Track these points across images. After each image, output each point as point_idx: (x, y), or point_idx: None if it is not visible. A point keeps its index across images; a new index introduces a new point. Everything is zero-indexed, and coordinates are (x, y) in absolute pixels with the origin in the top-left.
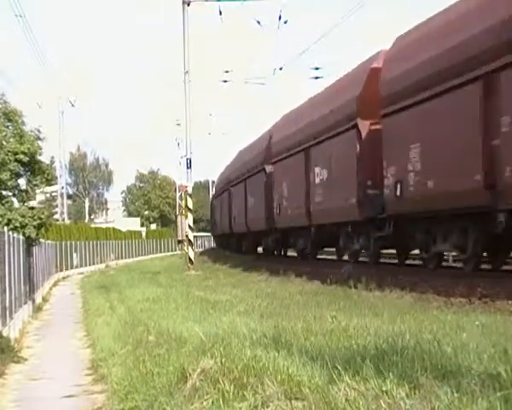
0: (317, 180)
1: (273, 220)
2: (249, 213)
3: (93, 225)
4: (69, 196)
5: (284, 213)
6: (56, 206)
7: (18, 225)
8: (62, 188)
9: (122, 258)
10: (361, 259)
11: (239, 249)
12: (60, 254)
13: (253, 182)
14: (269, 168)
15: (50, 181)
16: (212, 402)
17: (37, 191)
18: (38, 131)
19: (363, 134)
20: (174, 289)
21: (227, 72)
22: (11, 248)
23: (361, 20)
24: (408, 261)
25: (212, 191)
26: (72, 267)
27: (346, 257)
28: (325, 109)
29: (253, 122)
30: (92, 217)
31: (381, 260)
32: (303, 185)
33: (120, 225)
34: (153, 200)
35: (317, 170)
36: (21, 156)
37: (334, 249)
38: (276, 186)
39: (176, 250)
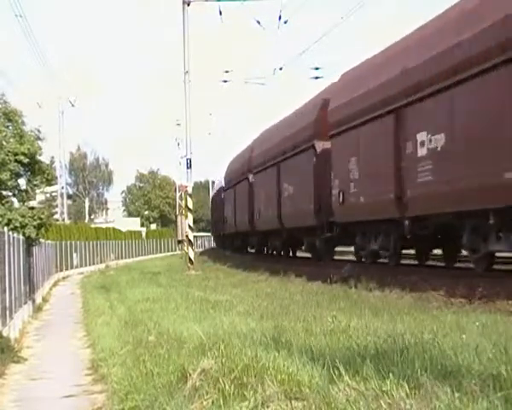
0: (422, 152)
1: (329, 213)
2: (285, 206)
3: (93, 225)
4: (69, 196)
5: (352, 201)
6: (56, 206)
7: (18, 225)
8: (62, 188)
9: (122, 258)
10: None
11: (261, 251)
12: (60, 254)
13: (292, 165)
14: (321, 145)
15: (50, 181)
16: (213, 402)
17: (37, 191)
18: (38, 131)
19: None
20: (174, 289)
21: (227, 72)
22: (11, 248)
23: (361, 20)
24: (407, 261)
25: (211, 191)
26: (72, 267)
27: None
28: (447, 40)
29: (253, 122)
30: (92, 217)
31: (380, 261)
32: (390, 161)
33: (120, 225)
34: (153, 200)
35: (420, 137)
36: (21, 157)
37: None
38: (336, 167)
39: (176, 250)
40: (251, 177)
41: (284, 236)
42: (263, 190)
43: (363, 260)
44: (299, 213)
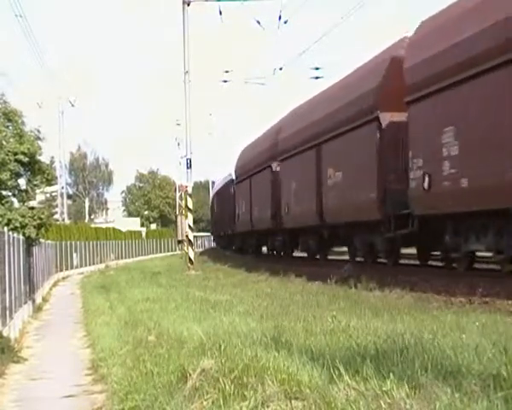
0: None
1: (398, 203)
2: (328, 197)
3: (93, 225)
4: (69, 196)
5: (447, 186)
6: (56, 206)
7: (18, 225)
8: (62, 188)
9: (122, 258)
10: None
11: (284, 252)
12: (60, 254)
13: (341, 146)
14: (387, 117)
15: (50, 181)
16: (213, 402)
17: (37, 191)
18: (38, 131)
19: None
20: (174, 289)
21: (227, 72)
22: (11, 248)
23: (361, 20)
24: (406, 261)
25: (211, 191)
26: (72, 267)
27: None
28: None
29: (253, 122)
30: (92, 217)
31: (381, 261)
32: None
33: (120, 225)
34: (153, 200)
35: None
36: (21, 156)
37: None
38: (418, 142)
39: (176, 250)
40: (275, 165)
41: (325, 234)
42: (294, 180)
43: (432, 264)
44: (351, 206)
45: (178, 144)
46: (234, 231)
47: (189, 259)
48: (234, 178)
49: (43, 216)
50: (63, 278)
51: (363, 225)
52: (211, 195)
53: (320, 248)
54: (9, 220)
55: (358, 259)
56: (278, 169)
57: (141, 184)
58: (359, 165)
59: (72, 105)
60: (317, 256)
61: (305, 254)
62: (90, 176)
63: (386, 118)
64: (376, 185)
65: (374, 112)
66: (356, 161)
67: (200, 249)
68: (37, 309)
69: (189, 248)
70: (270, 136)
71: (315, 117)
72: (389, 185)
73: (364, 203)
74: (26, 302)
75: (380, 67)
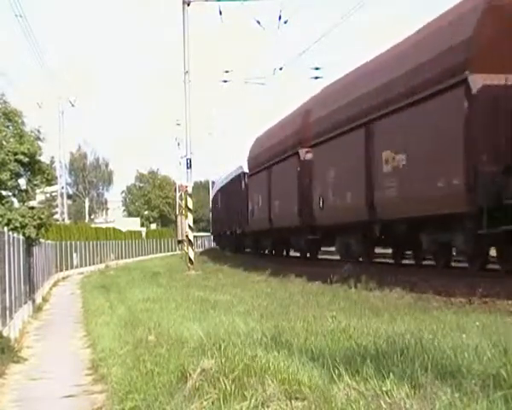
0: None
1: (496, 190)
2: (383, 187)
3: (93, 225)
4: (69, 196)
5: None
6: (56, 206)
7: (18, 225)
8: (62, 188)
9: (122, 258)
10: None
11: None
12: (60, 254)
13: (406, 120)
14: (480, 80)
15: (50, 181)
16: (213, 402)
17: (37, 191)
18: (38, 131)
19: None
20: (174, 289)
21: (227, 72)
22: (11, 248)
23: (361, 20)
24: (407, 261)
25: (211, 191)
26: (72, 267)
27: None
28: None
29: (253, 122)
30: (92, 217)
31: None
32: None
33: (120, 225)
34: (153, 200)
35: None
36: (21, 157)
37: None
38: None
39: (176, 250)
40: (303, 152)
41: (376, 231)
42: (332, 168)
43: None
44: (420, 196)
45: (178, 144)
46: (245, 229)
47: (189, 259)
48: (245, 170)
49: (43, 216)
50: (63, 278)
51: (436, 221)
52: (211, 194)
53: (365, 248)
54: (9, 220)
55: (406, 262)
56: (308, 156)
57: (141, 184)
58: (436, 144)
59: (72, 105)
60: (360, 259)
61: (335, 257)
62: (90, 176)
63: (477, 80)
64: (463, 168)
65: (460, 73)
66: (430, 140)
67: (200, 249)
68: (37, 309)
69: (189, 248)
70: (295, 119)
71: (364, 89)
72: (483, 168)
73: (443, 192)
74: (26, 302)
75: (469, 14)
